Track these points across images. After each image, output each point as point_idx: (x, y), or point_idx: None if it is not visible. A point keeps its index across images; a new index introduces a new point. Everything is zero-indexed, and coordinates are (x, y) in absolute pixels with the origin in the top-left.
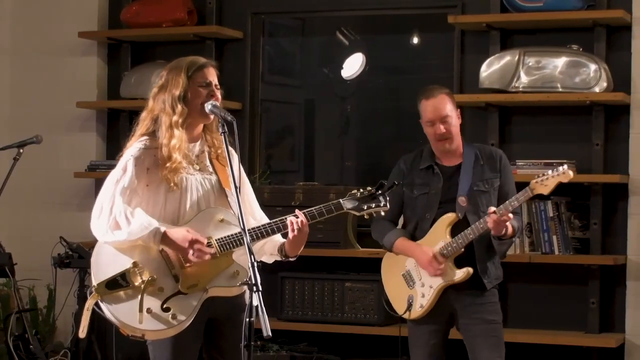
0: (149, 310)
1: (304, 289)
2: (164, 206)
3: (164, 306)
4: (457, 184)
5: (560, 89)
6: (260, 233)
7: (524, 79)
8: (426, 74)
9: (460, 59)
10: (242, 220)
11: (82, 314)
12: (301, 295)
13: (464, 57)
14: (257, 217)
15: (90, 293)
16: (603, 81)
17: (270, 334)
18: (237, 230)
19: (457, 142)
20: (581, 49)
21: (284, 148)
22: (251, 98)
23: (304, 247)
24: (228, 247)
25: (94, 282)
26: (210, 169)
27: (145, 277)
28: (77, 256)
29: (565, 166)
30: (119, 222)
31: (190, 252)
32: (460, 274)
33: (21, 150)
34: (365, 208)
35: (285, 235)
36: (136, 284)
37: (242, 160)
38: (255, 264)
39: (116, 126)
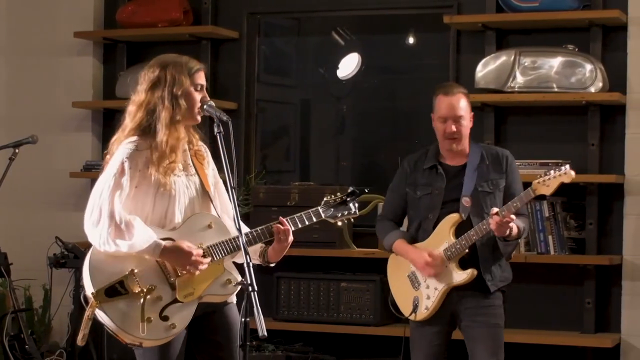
0: (148, 320)
1: (299, 289)
2: (152, 208)
3: (162, 314)
4: (461, 184)
5: (556, 89)
6: (246, 241)
7: (519, 79)
8: (422, 74)
9: (456, 59)
10: (238, 221)
11: (77, 314)
12: (297, 295)
13: (459, 57)
14: (230, 215)
15: (87, 302)
16: (599, 81)
17: (265, 334)
18: (225, 236)
19: (464, 143)
20: (577, 49)
21: (280, 148)
22: (247, 98)
23: (300, 247)
24: (220, 254)
25: (91, 289)
26: (193, 170)
27: (144, 285)
28: (73, 256)
29: (567, 166)
30: (121, 230)
31: (188, 266)
32: (464, 275)
33: (17, 150)
34: (339, 215)
35: (268, 242)
36: (135, 291)
37: (237, 160)
38: (251, 264)
39: (112, 126)
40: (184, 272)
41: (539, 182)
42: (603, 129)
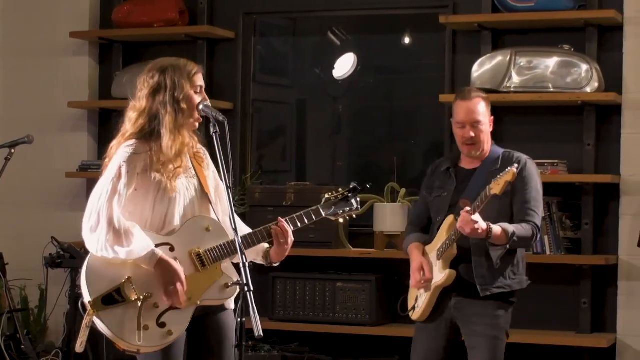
0: (145, 327)
1: (295, 289)
2: (152, 211)
3: (159, 321)
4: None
5: (552, 89)
6: (245, 243)
7: (515, 79)
8: (418, 74)
9: (452, 59)
10: (234, 221)
11: (73, 314)
12: (292, 295)
13: (455, 57)
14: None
15: (84, 310)
16: (594, 81)
17: (261, 334)
18: (224, 238)
19: (485, 149)
20: (573, 49)
21: (276, 148)
22: (243, 98)
23: (296, 247)
24: (217, 258)
25: (89, 297)
26: (193, 172)
27: (141, 292)
28: (69, 256)
29: (516, 165)
30: (120, 237)
31: (169, 287)
32: (442, 276)
33: (13, 150)
34: (340, 212)
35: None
36: (132, 299)
37: (233, 160)
38: (247, 264)
39: (108, 126)
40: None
41: (494, 181)
42: (599, 129)
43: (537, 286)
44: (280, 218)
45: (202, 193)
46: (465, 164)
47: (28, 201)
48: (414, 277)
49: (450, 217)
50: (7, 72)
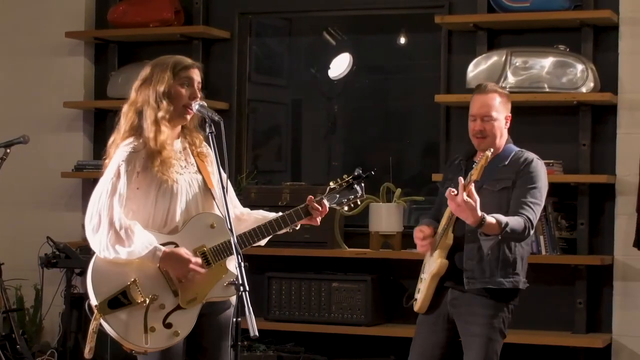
0: (152, 329)
1: (290, 289)
2: (154, 208)
3: (166, 322)
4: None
5: (547, 89)
6: (266, 230)
7: (511, 79)
8: (413, 74)
9: (447, 59)
10: (229, 221)
11: (69, 314)
12: (288, 295)
13: (451, 57)
14: (244, 211)
15: (92, 312)
16: (590, 81)
17: (257, 334)
18: (228, 236)
19: (497, 144)
20: (568, 49)
21: (271, 148)
22: (238, 98)
23: (291, 247)
24: (222, 255)
25: (95, 301)
26: (195, 168)
27: (147, 295)
28: (64, 256)
29: (491, 150)
30: (120, 236)
31: (188, 275)
32: (434, 265)
33: (8, 150)
34: (344, 201)
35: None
36: (138, 301)
37: (228, 160)
38: (243, 264)
39: (103, 126)
40: (182, 280)
41: (474, 167)
42: (594, 129)
43: (533, 286)
44: (311, 197)
45: (206, 189)
46: (478, 158)
47: (24, 201)
48: (419, 244)
49: (448, 209)
50: (3, 72)
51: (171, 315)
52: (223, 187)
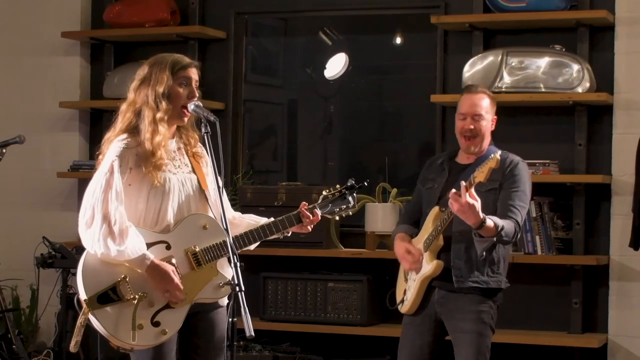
0: (140, 326)
1: (286, 289)
2: (146, 206)
3: (154, 320)
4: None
5: (543, 89)
6: (257, 235)
7: (506, 79)
8: (409, 74)
9: (443, 59)
10: (224, 221)
11: (65, 314)
12: (284, 295)
13: (446, 57)
14: (236, 215)
15: (80, 307)
16: (586, 81)
17: (253, 334)
18: (220, 237)
19: (483, 145)
20: (564, 49)
21: (267, 148)
22: (234, 98)
23: (287, 247)
24: (213, 257)
25: (84, 295)
26: (190, 169)
27: (136, 292)
28: (60, 256)
29: (499, 152)
30: (113, 231)
31: (165, 293)
32: (430, 266)
33: (4, 150)
34: (336, 210)
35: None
36: (127, 298)
37: (224, 160)
38: (239, 264)
39: (99, 126)
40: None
41: (477, 170)
42: (590, 129)
43: (529, 286)
44: (304, 204)
45: (200, 190)
46: (461, 159)
47: (19, 201)
48: (405, 260)
49: (436, 209)
50: None
51: (160, 313)
52: (219, 188)
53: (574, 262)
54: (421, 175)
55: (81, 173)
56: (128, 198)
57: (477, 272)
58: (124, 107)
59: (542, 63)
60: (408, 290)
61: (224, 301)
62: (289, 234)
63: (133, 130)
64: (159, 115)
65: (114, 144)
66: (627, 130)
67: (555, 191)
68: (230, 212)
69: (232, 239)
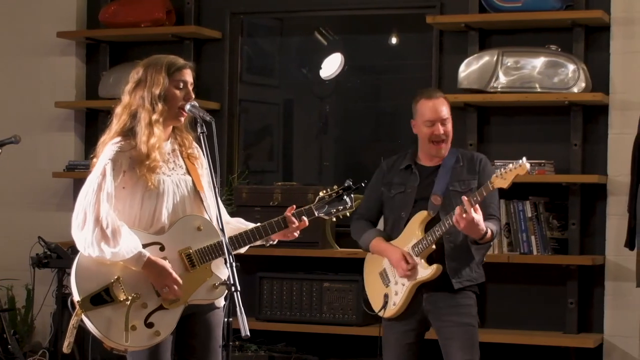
0: (133, 328)
1: (282, 289)
2: (140, 208)
3: (147, 322)
4: (434, 183)
5: (539, 89)
6: (247, 237)
7: (502, 79)
8: (405, 74)
9: (439, 59)
10: (220, 221)
11: (60, 314)
12: (279, 295)
13: (442, 57)
14: (225, 219)
15: (74, 308)
16: (581, 81)
17: (248, 334)
18: (215, 238)
19: (449, 147)
20: (560, 49)
21: (263, 148)
22: (229, 98)
23: (283, 247)
24: (207, 258)
25: (78, 297)
26: (184, 170)
27: (129, 293)
28: (56, 256)
29: (524, 159)
30: (106, 234)
31: (164, 289)
32: (429, 271)
33: (0, 150)
34: (333, 211)
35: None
36: (120, 299)
37: (220, 160)
38: (234, 264)
39: (95, 126)
40: (157, 290)
41: (496, 176)
42: (586, 129)
43: (524, 286)
44: (293, 207)
45: (195, 191)
46: (425, 161)
47: (15, 201)
48: (401, 266)
49: (424, 213)
50: None
51: (153, 315)
52: (215, 188)
53: (570, 262)
54: (381, 179)
55: (77, 173)
56: (122, 201)
57: (468, 270)
58: (118, 109)
59: (537, 63)
60: (394, 295)
61: (221, 302)
62: (275, 242)
63: (128, 132)
64: (154, 117)
65: (107, 147)
66: (623, 130)
67: (550, 191)
68: (225, 217)
69: (216, 244)
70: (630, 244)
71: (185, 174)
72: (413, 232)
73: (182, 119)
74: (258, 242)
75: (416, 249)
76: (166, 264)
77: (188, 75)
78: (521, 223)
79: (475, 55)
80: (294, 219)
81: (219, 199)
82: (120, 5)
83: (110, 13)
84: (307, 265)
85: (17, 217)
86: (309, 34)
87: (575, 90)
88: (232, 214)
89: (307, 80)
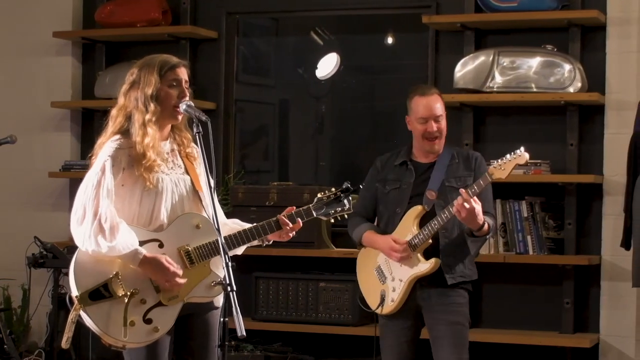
0: (132, 323)
1: (278, 289)
2: (139, 206)
3: (146, 318)
4: (429, 179)
5: (535, 89)
6: (241, 238)
7: (498, 79)
8: (401, 74)
9: (435, 59)
10: (216, 221)
11: (56, 314)
12: (275, 295)
13: (438, 57)
14: (222, 219)
15: (72, 303)
16: (577, 81)
17: (244, 333)
18: (214, 236)
19: (442, 143)
20: (555, 49)
21: (258, 148)
22: (225, 98)
23: (279, 247)
24: (206, 256)
25: (76, 292)
26: (183, 169)
27: (128, 289)
28: (52, 256)
29: (522, 149)
30: (104, 228)
31: (166, 284)
32: (427, 264)
33: None
34: (331, 212)
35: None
36: (119, 294)
37: (216, 160)
38: (230, 264)
39: (90, 126)
40: (161, 286)
41: (494, 167)
42: (582, 129)
43: (520, 286)
44: (292, 208)
45: (194, 191)
46: (421, 158)
47: (11, 201)
48: (393, 253)
49: (418, 208)
50: None
51: (152, 311)
52: (210, 187)
53: (566, 262)
54: (375, 176)
55: (73, 173)
56: (121, 198)
57: (462, 267)
58: (114, 111)
59: (533, 63)
60: (392, 291)
61: (219, 303)
62: (270, 242)
63: (125, 132)
64: (147, 117)
65: (107, 144)
66: (619, 130)
67: (546, 191)
68: (221, 215)
69: (215, 242)
70: (626, 243)
71: (184, 174)
72: (408, 227)
73: (180, 116)
74: (255, 243)
75: (413, 243)
76: (163, 258)
77: (182, 74)
78: (517, 223)
79: (471, 55)
80: (287, 220)
81: (215, 198)
82: (116, 5)
83: (106, 13)
84: (303, 265)
85: (13, 217)
86: (304, 34)
87: (571, 90)
88: (228, 214)
89: (303, 80)
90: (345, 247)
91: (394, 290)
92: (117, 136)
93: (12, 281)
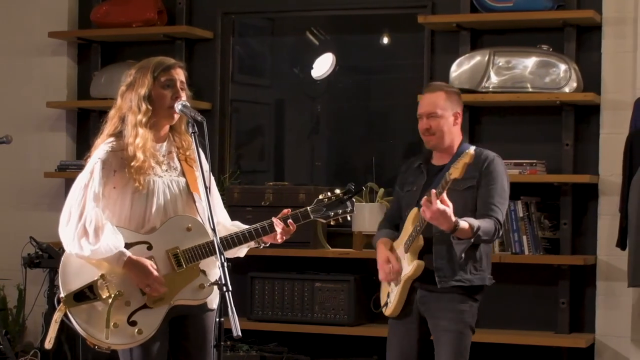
0: (115, 325)
1: (273, 289)
2: (130, 209)
3: (130, 320)
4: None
5: (530, 89)
6: (233, 241)
7: (493, 79)
8: (396, 74)
9: (430, 59)
10: (212, 221)
11: (52, 315)
12: (271, 295)
13: (434, 57)
14: (221, 221)
15: (58, 304)
16: (573, 81)
17: (240, 334)
18: (205, 238)
19: (447, 142)
20: (551, 49)
21: (254, 148)
22: (221, 98)
23: (274, 247)
24: (194, 258)
25: (62, 293)
26: (179, 172)
27: (113, 291)
28: (47, 256)
29: (472, 148)
30: (87, 231)
31: (146, 288)
32: (411, 267)
33: None
34: (332, 215)
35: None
36: (104, 296)
37: (212, 160)
38: (225, 264)
39: (86, 126)
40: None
41: (452, 166)
42: (577, 129)
43: (516, 286)
44: (288, 211)
45: (188, 193)
46: (436, 160)
47: (6, 201)
48: (382, 270)
49: (415, 210)
50: None
51: (136, 313)
52: (206, 188)
53: (561, 262)
54: (399, 179)
55: (68, 173)
56: (113, 201)
57: (460, 272)
58: (112, 112)
59: (529, 63)
60: (391, 292)
61: (215, 304)
62: (267, 244)
63: (119, 134)
64: (139, 117)
65: (100, 147)
66: (614, 130)
67: (542, 191)
68: (222, 215)
69: (205, 244)
70: (621, 243)
71: (180, 176)
72: (407, 230)
73: (176, 115)
74: (252, 244)
75: (405, 245)
76: (147, 262)
77: (177, 74)
78: (513, 223)
79: (467, 55)
80: (280, 223)
81: (215, 199)
82: (111, 5)
83: (101, 13)
84: (298, 265)
85: (8, 217)
86: (300, 34)
87: (566, 90)
88: None
89: (299, 80)
90: (341, 247)
91: (392, 292)
92: (111, 138)
93: (7, 281)
